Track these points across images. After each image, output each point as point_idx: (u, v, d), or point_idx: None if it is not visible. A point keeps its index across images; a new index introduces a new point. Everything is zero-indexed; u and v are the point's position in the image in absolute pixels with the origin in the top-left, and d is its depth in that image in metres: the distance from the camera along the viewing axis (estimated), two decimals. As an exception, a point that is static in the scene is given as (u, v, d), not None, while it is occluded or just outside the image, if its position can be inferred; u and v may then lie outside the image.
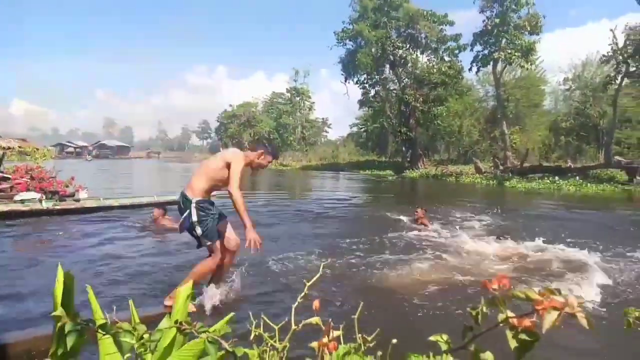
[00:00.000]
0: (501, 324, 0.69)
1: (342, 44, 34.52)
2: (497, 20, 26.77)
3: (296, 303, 0.99)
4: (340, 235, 7.23)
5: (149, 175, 31.45)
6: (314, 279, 1.01)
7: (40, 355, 2.72)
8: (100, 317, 1.43)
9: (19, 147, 11.72)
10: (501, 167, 25.49)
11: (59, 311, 1.53)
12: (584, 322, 0.57)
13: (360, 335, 0.91)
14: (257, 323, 0.96)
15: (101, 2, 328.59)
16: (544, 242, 6.33)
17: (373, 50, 32.59)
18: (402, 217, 9.12)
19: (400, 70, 34.17)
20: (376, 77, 34.95)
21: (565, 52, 71.17)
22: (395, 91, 35.08)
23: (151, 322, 1.38)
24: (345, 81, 35.65)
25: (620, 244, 6.45)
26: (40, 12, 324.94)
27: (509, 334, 0.64)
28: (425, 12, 31.88)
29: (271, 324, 0.96)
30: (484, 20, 27.68)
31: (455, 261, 5.44)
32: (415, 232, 7.46)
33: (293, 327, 0.94)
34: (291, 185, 22.79)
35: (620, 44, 22.82)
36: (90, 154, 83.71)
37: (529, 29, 26.64)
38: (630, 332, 0.79)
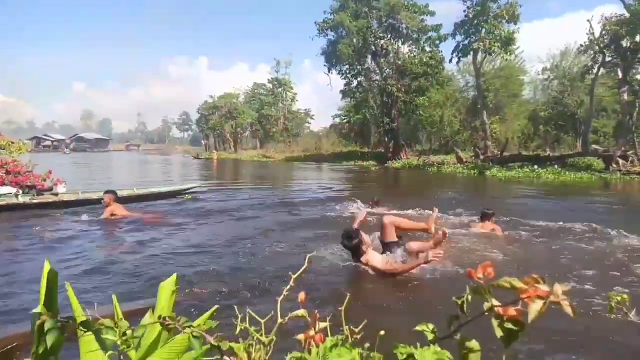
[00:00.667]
0: (486, 313, 0.69)
1: (323, 34, 34.35)
2: (478, 8, 26.93)
3: (281, 296, 0.98)
4: (324, 226, 7.25)
5: (128, 168, 30.97)
6: (300, 271, 1.00)
7: (24, 353, 2.67)
8: (80, 314, 1.40)
9: (-7, 140, 11.39)
10: (481, 157, 25.85)
11: (40, 308, 1.50)
12: (568, 310, 0.57)
13: (347, 327, 0.91)
14: (242, 317, 0.95)
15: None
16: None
17: (354, 40, 32.49)
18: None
19: (382, 60, 34.20)
20: (358, 67, 34.91)
21: (543, 42, 72.24)
22: (377, 82, 35.12)
23: (135, 318, 1.35)
24: (329, 72, 35.54)
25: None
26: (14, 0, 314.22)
27: (495, 322, 0.64)
28: (406, 2, 31.89)
29: (257, 317, 0.94)
30: (464, 10, 27.85)
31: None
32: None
33: (279, 320, 0.94)
34: (274, 177, 22.71)
35: (597, 35, 23.23)
36: (67, 147, 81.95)
37: (506, 17, 26.89)
38: (612, 315, 0.81)
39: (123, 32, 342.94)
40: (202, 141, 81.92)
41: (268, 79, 63.96)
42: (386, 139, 35.55)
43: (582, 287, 3.94)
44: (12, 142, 11.95)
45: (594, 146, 23.66)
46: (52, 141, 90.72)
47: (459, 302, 0.75)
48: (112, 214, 7.60)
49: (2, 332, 2.95)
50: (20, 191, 8.96)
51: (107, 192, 7.97)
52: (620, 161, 20.51)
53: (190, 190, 11.48)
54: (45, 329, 1.26)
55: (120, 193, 10.20)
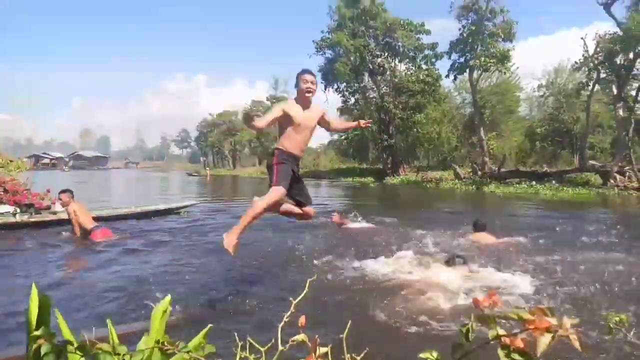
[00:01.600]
0: (492, 341, 0.67)
1: (321, 52, 34.74)
2: (472, 28, 27.29)
3: (282, 322, 0.96)
4: (328, 246, 7.18)
5: (127, 186, 30.92)
6: (300, 296, 0.99)
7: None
8: (72, 338, 1.37)
9: (-9, 159, 11.39)
10: (479, 173, 25.90)
11: (37, 331, 1.47)
12: (576, 344, 0.56)
13: (349, 355, 0.88)
14: (242, 345, 0.92)
15: (77, 7, 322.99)
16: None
17: (352, 58, 32.85)
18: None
19: (379, 78, 34.52)
20: (355, 85, 35.21)
21: (538, 59, 73.15)
22: (374, 99, 35.38)
23: (126, 340, 1.33)
24: (325, 89, 35.82)
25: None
26: (13, 15, 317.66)
27: (502, 353, 0.62)
28: (402, 21, 32.36)
29: (258, 346, 0.92)
30: (459, 29, 28.21)
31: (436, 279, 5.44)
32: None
33: (280, 348, 0.91)
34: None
35: (591, 52, 23.51)
36: (66, 165, 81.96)
37: (502, 36, 27.23)
38: (613, 338, 0.79)
39: (121, 49, 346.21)
40: (201, 158, 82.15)
41: (267, 97, 64.46)
42: (384, 155, 35.66)
43: (578, 305, 3.90)
44: (11, 161, 11.96)
45: (591, 162, 23.73)
46: (51, 159, 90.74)
47: (464, 329, 0.73)
48: (75, 214, 7.47)
49: (3, 355, 2.90)
50: (18, 210, 8.92)
51: (62, 191, 7.77)
52: (618, 177, 20.56)
53: (186, 208, 11.43)
54: (42, 353, 1.23)
55: (117, 212, 10.20)
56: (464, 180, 25.41)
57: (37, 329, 1.65)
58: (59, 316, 1.24)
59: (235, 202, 16.39)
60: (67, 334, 1.33)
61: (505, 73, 28.96)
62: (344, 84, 35.17)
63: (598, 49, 23.09)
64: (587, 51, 23.70)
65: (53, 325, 1.24)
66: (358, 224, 9.02)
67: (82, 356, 1.21)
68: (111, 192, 24.04)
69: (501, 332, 0.64)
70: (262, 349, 0.91)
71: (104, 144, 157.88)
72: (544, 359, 0.60)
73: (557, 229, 8.47)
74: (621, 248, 6.34)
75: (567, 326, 0.55)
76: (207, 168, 56.67)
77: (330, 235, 8.13)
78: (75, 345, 1.19)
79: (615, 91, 22.97)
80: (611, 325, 0.92)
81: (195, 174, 50.07)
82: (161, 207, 11.16)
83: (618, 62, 22.60)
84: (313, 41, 34.40)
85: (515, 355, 0.61)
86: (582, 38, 23.56)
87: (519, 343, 0.61)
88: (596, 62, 23.28)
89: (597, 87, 24.46)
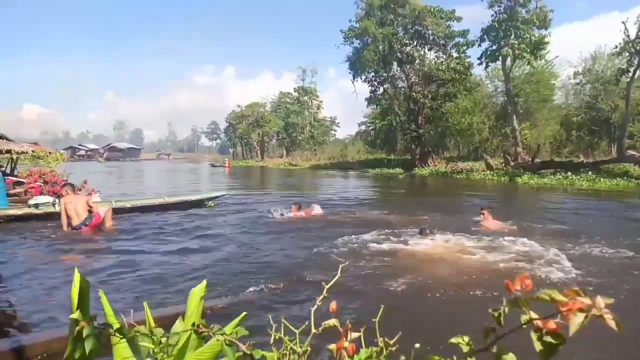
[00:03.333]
0: (524, 326, 0.68)
1: (349, 42, 34.44)
2: (505, 15, 26.50)
3: (315, 306, 0.98)
4: (358, 234, 7.17)
5: (157, 176, 31.69)
6: (332, 281, 1.00)
7: (55, 357, 2.75)
8: (114, 322, 1.44)
9: (32, 151, 11.87)
10: (512, 163, 25.27)
11: (76, 314, 1.54)
12: (612, 324, 0.55)
13: (382, 338, 0.90)
14: (276, 327, 0.95)
15: (106, 2, 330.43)
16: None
17: (380, 47, 32.45)
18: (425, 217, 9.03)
19: (408, 67, 34.00)
20: (384, 74, 34.80)
21: (574, 45, 70.20)
22: (403, 89, 34.93)
23: (161, 324, 1.38)
24: (354, 79, 35.56)
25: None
26: (47, 12, 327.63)
27: (534, 336, 0.62)
28: (432, 9, 31.68)
29: (292, 327, 0.95)
30: (492, 15, 27.44)
31: (478, 262, 5.39)
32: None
33: (313, 330, 0.94)
34: (301, 184, 22.80)
35: (632, 36, 22.46)
36: (101, 156, 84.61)
37: (537, 23, 26.34)
38: None
39: (152, 42, 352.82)
40: (230, 149, 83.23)
41: (294, 88, 64.63)
42: (413, 146, 35.23)
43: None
44: (50, 153, 12.43)
45: (629, 152, 22.76)
46: (87, 151, 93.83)
47: (496, 314, 0.73)
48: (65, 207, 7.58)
49: (45, 335, 3.06)
50: (57, 200, 9.29)
51: (62, 185, 7.92)
52: (659, 167, 19.68)
53: (217, 198, 11.61)
54: (84, 335, 1.30)
55: (151, 202, 10.48)
56: (495, 171, 24.84)
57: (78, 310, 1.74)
58: (104, 300, 1.30)
59: (255, 194, 16.56)
60: (110, 316, 1.40)
61: (540, 61, 27.99)
62: (372, 73, 34.82)
63: (640, 33, 22.04)
64: (628, 35, 22.65)
65: (98, 307, 1.30)
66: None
67: (121, 338, 1.26)
68: (134, 182, 24.69)
69: (534, 315, 0.64)
70: (297, 331, 0.93)
71: (137, 136, 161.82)
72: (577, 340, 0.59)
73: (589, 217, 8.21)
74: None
75: (601, 305, 0.55)
76: (227, 159, 57.40)
77: (357, 224, 8.12)
78: (115, 328, 1.25)
79: (657, 77, 21.93)
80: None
81: (218, 165, 50.87)
82: (192, 197, 11.37)
83: (661, 47, 21.54)
84: (341, 31, 34.16)
85: (548, 338, 0.61)
86: (622, 22, 22.53)
87: (552, 325, 0.61)
88: (638, 47, 22.24)
89: (637, 73, 23.37)
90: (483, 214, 7.70)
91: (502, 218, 7.91)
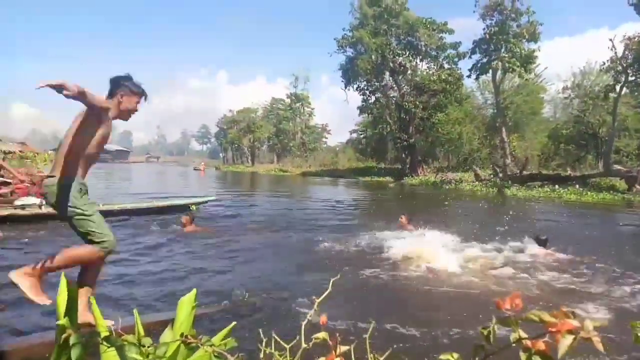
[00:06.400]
0: (514, 344, 0.68)
1: (342, 50, 34.70)
2: (496, 29, 26.91)
3: (305, 320, 0.98)
4: (348, 246, 7.15)
5: (147, 179, 31.42)
6: (323, 295, 1.01)
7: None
8: (103, 329, 1.42)
9: (20, 151, 11.73)
10: (500, 175, 25.49)
11: (64, 321, 1.52)
12: (599, 346, 0.56)
13: (372, 355, 0.90)
14: (267, 341, 0.95)
15: (98, 3, 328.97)
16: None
17: (373, 57, 32.74)
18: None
19: (400, 77, 34.33)
20: (376, 84, 35.09)
21: (564, 60, 71.41)
22: (395, 98, 35.22)
23: (151, 330, 1.36)
24: (346, 88, 35.79)
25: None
26: (36, 12, 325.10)
27: (523, 356, 0.63)
28: (424, 20, 32.10)
29: (282, 342, 0.95)
30: (483, 29, 27.86)
31: (465, 276, 5.40)
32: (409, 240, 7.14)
33: (303, 345, 0.94)
34: (291, 189, 22.76)
35: (620, 54, 22.94)
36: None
37: (527, 37, 26.78)
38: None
39: (143, 42, 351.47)
40: (220, 154, 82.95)
41: (286, 94, 64.73)
42: (403, 155, 35.47)
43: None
44: (38, 153, 12.28)
45: (616, 166, 23.13)
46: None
47: (485, 332, 0.74)
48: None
49: (26, 341, 3.00)
50: (44, 202, 9.16)
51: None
52: (644, 182, 20.00)
53: (201, 204, 11.42)
54: (71, 343, 1.28)
55: (139, 205, 10.38)
56: (484, 182, 25.05)
57: (64, 317, 1.71)
58: (94, 307, 1.29)
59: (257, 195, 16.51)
60: (100, 323, 1.38)
61: (529, 74, 28.43)
62: (365, 82, 35.08)
63: (627, 51, 22.52)
64: (615, 53, 23.13)
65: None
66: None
67: (108, 347, 1.24)
68: (123, 184, 24.47)
69: (523, 335, 0.65)
70: (287, 346, 0.93)
71: (125, 139, 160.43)
72: (566, 363, 0.60)
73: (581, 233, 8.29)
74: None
75: (589, 328, 0.56)
76: (203, 163, 57.19)
77: (348, 239, 8.11)
78: (102, 336, 1.23)
79: (643, 94, 22.38)
80: (638, 335, 0.92)
81: (197, 169, 50.65)
82: (179, 202, 11.26)
83: (647, 65, 22.02)
84: (334, 39, 34.43)
85: (537, 358, 0.62)
86: (610, 39, 23.01)
87: (541, 346, 0.62)
88: (625, 64, 22.71)
89: (625, 90, 23.86)
90: (401, 218, 8.44)
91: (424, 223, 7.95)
